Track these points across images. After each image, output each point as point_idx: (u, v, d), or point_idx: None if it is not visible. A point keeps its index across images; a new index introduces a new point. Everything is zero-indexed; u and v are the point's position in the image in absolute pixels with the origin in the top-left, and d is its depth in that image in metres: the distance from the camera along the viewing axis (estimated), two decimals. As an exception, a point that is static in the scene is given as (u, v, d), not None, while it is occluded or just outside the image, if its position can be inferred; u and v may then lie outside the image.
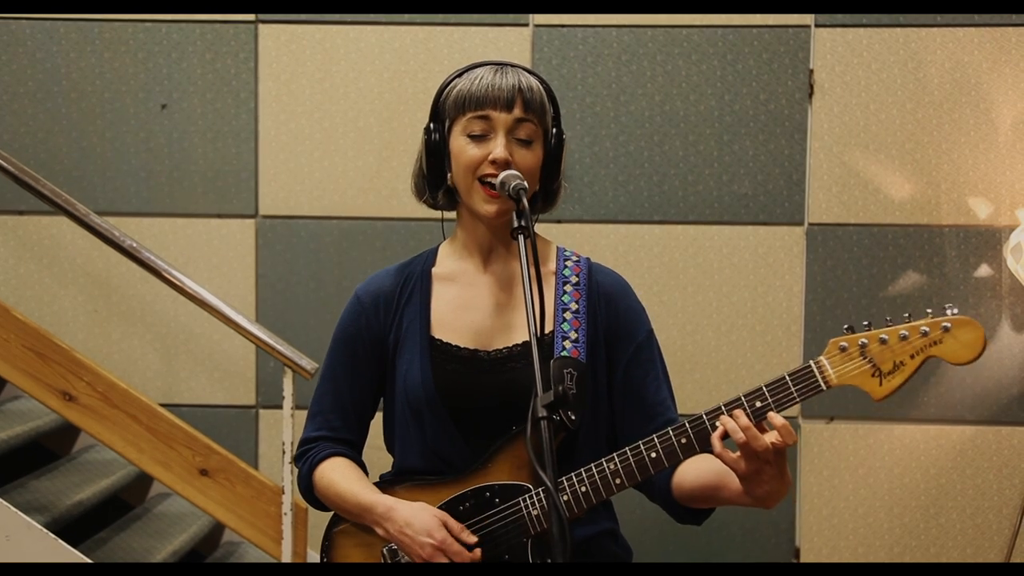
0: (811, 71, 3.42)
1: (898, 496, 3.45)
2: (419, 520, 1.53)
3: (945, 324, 1.36)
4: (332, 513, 1.68)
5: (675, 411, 1.65)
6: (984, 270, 3.41)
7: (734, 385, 3.44)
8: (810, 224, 3.44)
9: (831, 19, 3.40)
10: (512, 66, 1.60)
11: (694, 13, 3.38)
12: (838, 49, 3.41)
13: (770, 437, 1.40)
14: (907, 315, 1.40)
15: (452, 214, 1.70)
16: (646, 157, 3.46)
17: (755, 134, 3.43)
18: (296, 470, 1.72)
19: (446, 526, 1.53)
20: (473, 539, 1.53)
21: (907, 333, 1.37)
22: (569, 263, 1.65)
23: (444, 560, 1.50)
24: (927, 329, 1.37)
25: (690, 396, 3.42)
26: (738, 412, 1.41)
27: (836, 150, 3.42)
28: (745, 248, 3.45)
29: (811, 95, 3.42)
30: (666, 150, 3.45)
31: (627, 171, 3.46)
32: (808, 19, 3.41)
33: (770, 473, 1.41)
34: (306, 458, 1.68)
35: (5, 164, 3.05)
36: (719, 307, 3.46)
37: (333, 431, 1.68)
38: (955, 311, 1.38)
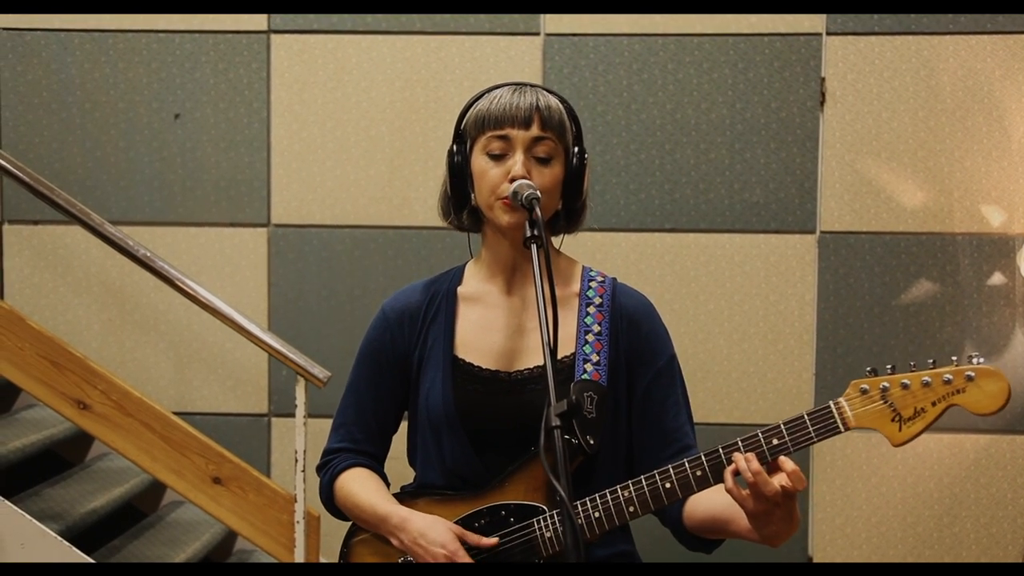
0: (823, 79, 3.41)
1: (911, 505, 3.44)
2: (433, 531, 1.54)
3: (969, 373, 1.36)
4: (351, 523, 1.69)
5: (693, 437, 1.64)
6: (997, 278, 3.39)
7: (746, 393, 3.44)
8: (822, 232, 3.44)
9: (842, 27, 3.40)
10: (532, 86, 1.61)
11: (705, 13, 3.37)
12: (850, 57, 3.40)
13: (780, 480, 1.39)
14: (931, 361, 1.39)
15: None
16: (657, 165, 3.46)
17: (767, 142, 3.43)
18: (317, 480, 1.74)
19: (462, 539, 1.54)
20: (492, 541, 1.53)
21: (930, 380, 1.36)
22: (593, 284, 1.65)
23: None
24: (950, 377, 1.36)
25: (702, 404, 3.41)
26: (751, 456, 1.41)
27: (848, 158, 3.42)
28: (757, 256, 3.45)
29: (823, 103, 3.42)
30: (677, 158, 3.45)
31: (638, 179, 3.46)
32: (820, 27, 3.40)
33: (779, 515, 1.42)
34: (327, 469, 1.70)
35: (20, 174, 3.07)
36: (731, 315, 3.46)
37: (355, 443, 1.69)
38: (980, 360, 1.37)
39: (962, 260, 3.40)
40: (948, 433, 3.41)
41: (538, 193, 1.50)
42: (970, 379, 1.36)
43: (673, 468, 1.47)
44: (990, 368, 1.36)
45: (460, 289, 1.68)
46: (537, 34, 3.45)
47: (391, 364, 1.67)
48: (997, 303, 3.40)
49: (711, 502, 1.53)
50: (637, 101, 3.45)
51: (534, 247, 1.46)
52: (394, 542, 1.59)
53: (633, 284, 1.71)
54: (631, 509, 1.49)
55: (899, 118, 3.40)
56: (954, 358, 1.38)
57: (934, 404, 1.38)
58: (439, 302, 1.67)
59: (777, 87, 3.42)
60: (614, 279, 1.68)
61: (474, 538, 1.54)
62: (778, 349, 3.44)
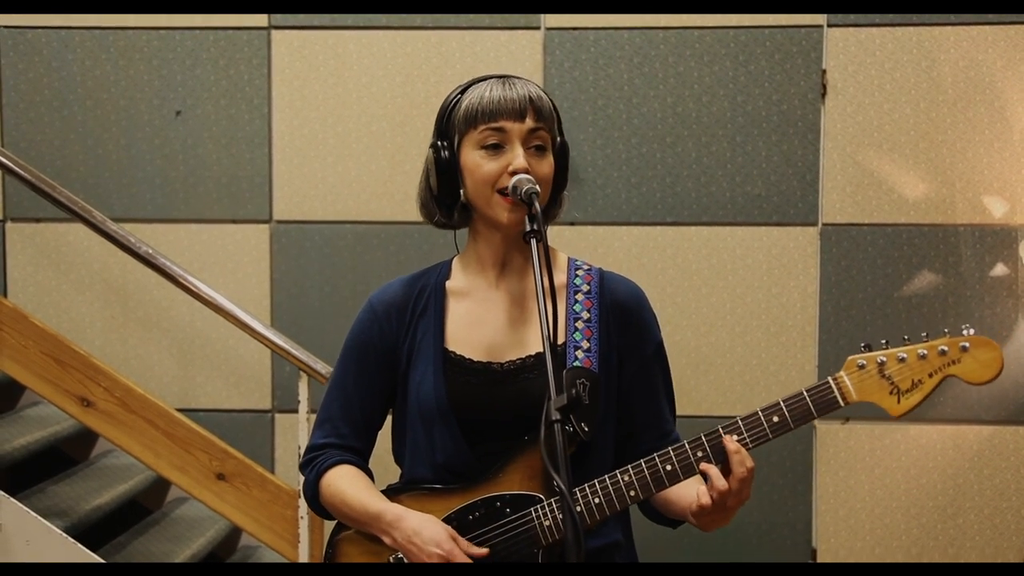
0: (824, 71, 3.41)
1: (915, 497, 3.44)
2: (428, 530, 1.53)
3: (963, 344, 1.39)
4: (336, 521, 1.67)
5: (674, 424, 1.67)
6: (1000, 269, 3.39)
7: (748, 387, 3.44)
8: (824, 224, 3.44)
9: (843, 19, 3.39)
10: (515, 78, 1.60)
11: (705, 13, 3.37)
12: (851, 49, 3.40)
13: (736, 464, 1.46)
14: (924, 334, 1.43)
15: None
16: (659, 159, 3.46)
17: (768, 135, 3.43)
18: (304, 477, 1.70)
19: (455, 541, 1.53)
20: (483, 551, 1.53)
21: (925, 352, 1.40)
22: (580, 272, 1.65)
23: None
24: (945, 348, 1.40)
25: (704, 398, 3.41)
26: (716, 474, 1.46)
27: (849, 150, 3.41)
28: (759, 249, 3.45)
29: (824, 95, 3.41)
30: (679, 152, 3.45)
31: (640, 173, 3.46)
32: (820, 19, 3.40)
33: (718, 516, 1.49)
34: (313, 465, 1.66)
35: (22, 172, 3.08)
36: (733, 308, 3.46)
37: (341, 439, 1.67)
38: (972, 331, 1.40)
39: (964, 251, 3.40)
40: (951, 424, 3.41)
41: (537, 188, 1.50)
42: (964, 350, 1.39)
43: (674, 450, 1.50)
44: (984, 338, 1.39)
45: (448, 283, 1.66)
46: (537, 28, 3.45)
47: (379, 358, 1.65)
48: (1000, 294, 3.39)
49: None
50: (638, 95, 3.45)
51: (533, 241, 1.46)
52: (386, 540, 1.57)
53: (635, 278, 1.71)
54: (632, 493, 1.50)
55: (900, 109, 3.39)
56: (946, 330, 1.41)
57: (931, 375, 1.41)
58: (428, 296, 1.65)
59: (778, 79, 3.42)
60: (600, 268, 1.68)
61: (465, 544, 1.53)
62: (781, 342, 3.44)
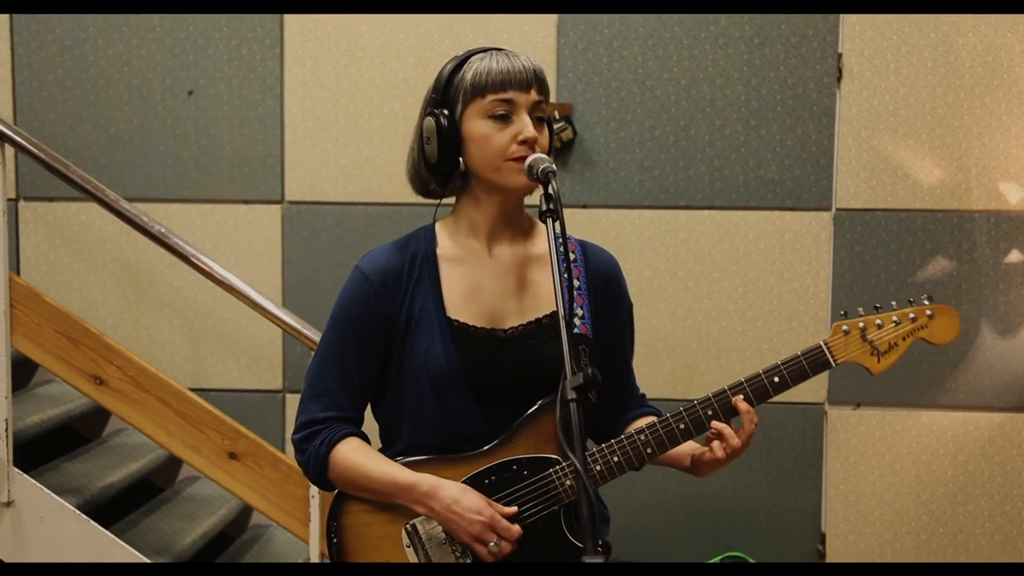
0: (839, 55, 3.38)
1: (925, 483, 3.44)
2: (467, 499, 1.56)
3: (929, 312, 1.66)
4: (336, 491, 1.66)
5: (635, 382, 1.82)
6: (1015, 256, 3.37)
7: (760, 371, 3.43)
8: (838, 209, 3.42)
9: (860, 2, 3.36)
10: (511, 51, 1.63)
11: (717, 12, 3.35)
12: (867, 33, 3.37)
13: (746, 419, 1.62)
14: (893, 303, 1.68)
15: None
16: (672, 142, 3.44)
17: (782, 119, 3.41)
18: (302, 451, 1.66)
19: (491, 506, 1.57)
20: (512, 510, 1.57)
21: (898, 319, 1.66)
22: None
23: (492, 537, 1.54)
24: (915, 316, 1.66)
25: (716, 382, 3.39)
26: (729, 432, 1.62)
27: (864, 135, 3.39)
28: (772, 233, 3.43)
29: (839, 79, 3.39)
30: (692, 135, 3.43)
31: (653, 156, 3.45)
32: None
33: (723, 465, 1.65)
34: (319, 439, 1.63)
35: (36, 151, 3.08)
36: (745, 293, 3.45)
37: (342, 411, 1.65)
38: (930, 300, 1.67)
39: (979, 238, 3.38)
40: (962, 411, 3.40)
41: (554, 167, 1.53)
42: (931, 316, 1.66)
43: (686, 410, 1.62)
44: (945, 307, 1.66)
45: (439, 251, 1.67)
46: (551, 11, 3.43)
47: (376, 328, 1.63)
48: (1014, 281, 3.37)
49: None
50: (652, 77, 3.43)
51: (550, 220, 1.49)
52: (420, 510, 1.58)
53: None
54: (648, 451, 1.61)
55: (916, 94, 3.37)
56: (911, 300, 1.68)
57: (904, 339, 1.66)
58: (420, 263, 1.65)
59: (793, 63, 3.39)
60: (578, 239, 1.74)
61: (499, 507, 1.57)
62: (792, 327, 3.44)
